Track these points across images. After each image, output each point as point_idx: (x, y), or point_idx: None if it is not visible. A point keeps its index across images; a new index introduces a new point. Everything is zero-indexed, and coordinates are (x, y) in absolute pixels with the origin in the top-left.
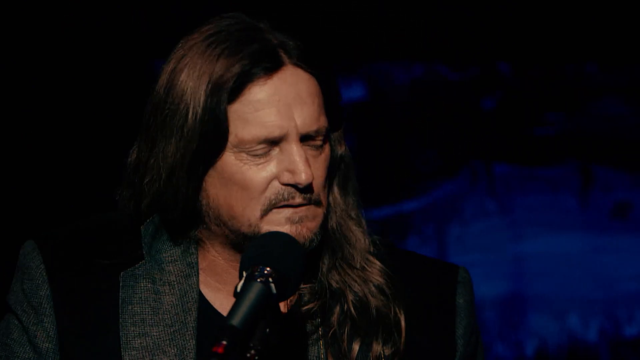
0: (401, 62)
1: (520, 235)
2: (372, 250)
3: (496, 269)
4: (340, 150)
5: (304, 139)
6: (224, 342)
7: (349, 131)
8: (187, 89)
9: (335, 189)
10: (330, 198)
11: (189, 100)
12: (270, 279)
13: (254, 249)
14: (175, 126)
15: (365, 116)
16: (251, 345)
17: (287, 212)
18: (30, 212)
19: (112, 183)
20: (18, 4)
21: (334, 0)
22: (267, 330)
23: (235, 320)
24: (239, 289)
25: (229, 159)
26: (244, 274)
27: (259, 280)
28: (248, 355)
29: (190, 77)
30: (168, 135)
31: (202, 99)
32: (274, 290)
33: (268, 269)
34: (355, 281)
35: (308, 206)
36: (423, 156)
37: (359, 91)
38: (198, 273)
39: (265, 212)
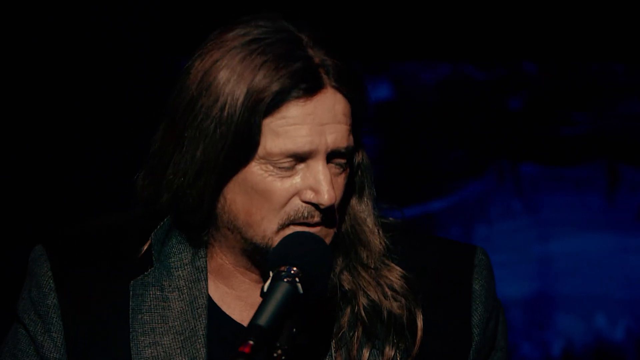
0: (428, 62)
1: (547, 235)
2: (389, 247)
3: (522, 269)
4: (358, 158)
5: (331, 157)
6: (251, 342)
7: (376, 131)
8: (222, 94)
9: (352, 197)
10: (346, 204)
11: (224, 106)
12: (297, 279)
13: (281, 249)
14: (206, 129)
15: (392, 116)
16: (278, 345)
17: (302, 230)
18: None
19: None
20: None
21: (361, 0)
22: (294, 330)
23: (262, 320)
24: (265, 289)
25: (254, 169)
26: (271, 273)
27: (285, 280)
28: (275, 355)
29: (228, 83)
30: (198, 136)
31: (237, 108)
32: (301, 290)
33: (295, 268)
34: (369, 283)
35: (322, 226)
36: (449, 156)
37: (385, 91)
38: (207, 278)
39: (282, 227)
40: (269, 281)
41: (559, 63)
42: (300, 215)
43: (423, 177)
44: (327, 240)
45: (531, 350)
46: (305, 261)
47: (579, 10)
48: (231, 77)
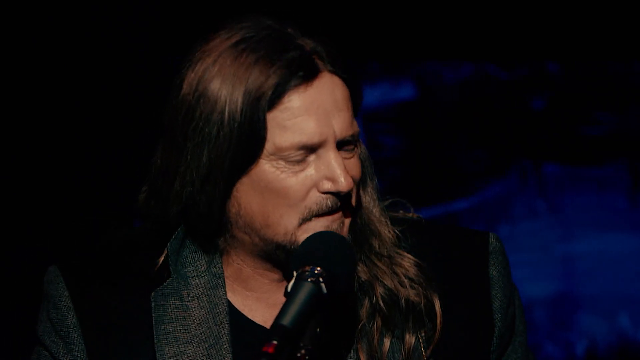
0: (450, 61)
1: (570, 235)
2: (399, 237)
3: (545, 269)
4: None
5: (340, 144)
6: (275, 342)
7: (399, 131)
8: (220, 98)
9: (358, 187)
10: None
11: (224, 108)
12: (321, 279)
13: (305, 249)
14: (208, 134)
15: (415, 116)
16: (302, 344)
17: (325, 221)
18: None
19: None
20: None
21: (383, 1)
22: (318, 330)
23: (286, 320)
24: (289, 289)
25: (265, 167)
26: (295, 273)
27: (309, 280)
28: (298, 355)
29: (224, 86)
30: (200, 142)
31: (238, 107)
32: (325, 290)
33: (318, 268)
34: (385, 272)
35: (343, 211)
36: (472, 156)
37: (408, 91)
38: (225, 283)
39: (304, 221)
40: (292, 281)
41: (581, 63)
42: (322, 206)
43: (446, 177)
44: (348, 225)
45: (554, 350)
46: (329, 261)
47: (602, 10)
48: (226, 80)
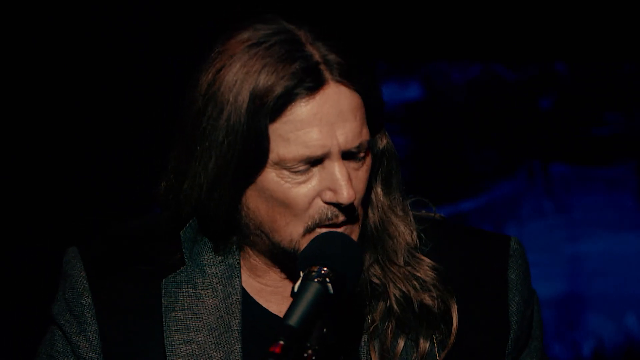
0: (458, 62)
1: (577, 235)
2: (420, 238)
3: (553, 269)
4: (382, 144)
5: (346, 155)
6: (281, 342)
7: (406, 131)
8: (227, 103)
9: (379, 186)
10: (373, 195)
11: (230, 116)
12: (328, 279)
13: (312, 249)
14: (215, 141)
15: (422, 116)
16: (308, 345)
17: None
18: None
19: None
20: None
21: (391, 1)
22: (325, 330)
23: (292, 320)
24: (296, 289)
25: (270, 176)
26: (301, 273)
27: (316, 280)
28: (305, 355)
29: (231, 92)
30: (207, 148)
31: (242, 116)
32: (331, 291)
33: (325, 269)
34: (398, 276)
35: (347, 225)
36: (480, 156)
37: (415, 91)
38: (240, 274)
39: (308, 231)
40: (299, 281)
41: (589, 63)
42: (325, 217)
43: (453, 177)
44: (354, 237)
45: (561, 350)
46: (335, 261)
47: (611, 10)
48: (234, 85)
